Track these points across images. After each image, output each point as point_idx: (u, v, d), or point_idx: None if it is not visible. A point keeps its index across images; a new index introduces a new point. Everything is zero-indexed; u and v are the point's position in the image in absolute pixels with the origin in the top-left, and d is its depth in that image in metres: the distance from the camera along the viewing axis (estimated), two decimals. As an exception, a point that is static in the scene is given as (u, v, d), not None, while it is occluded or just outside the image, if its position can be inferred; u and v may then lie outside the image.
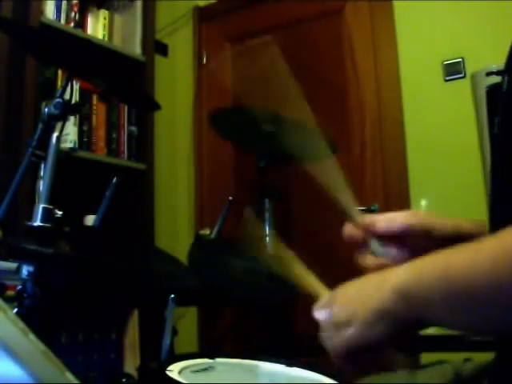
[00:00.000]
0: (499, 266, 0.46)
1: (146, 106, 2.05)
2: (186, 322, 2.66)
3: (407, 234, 0.65)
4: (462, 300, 0.48)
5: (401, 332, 0.53)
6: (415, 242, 0.65)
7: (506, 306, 0.46)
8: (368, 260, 0.67)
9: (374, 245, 0.67)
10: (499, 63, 2.09)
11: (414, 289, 0.51)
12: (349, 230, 0.69)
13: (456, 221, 0.67)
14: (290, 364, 0.91)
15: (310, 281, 0.67)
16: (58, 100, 1.33)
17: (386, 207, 2.39)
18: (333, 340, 0.56)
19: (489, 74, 2.03)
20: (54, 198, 1.28)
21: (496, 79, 2.01)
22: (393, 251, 0.66)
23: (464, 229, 0.66)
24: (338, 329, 0.56)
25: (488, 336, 0.55)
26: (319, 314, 0.59)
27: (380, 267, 0.63)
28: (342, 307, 0.57)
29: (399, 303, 0.52)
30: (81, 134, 2.27)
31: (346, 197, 0.70)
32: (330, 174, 0.70)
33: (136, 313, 1.79)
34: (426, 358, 0.85)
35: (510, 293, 0.45)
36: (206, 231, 2.07)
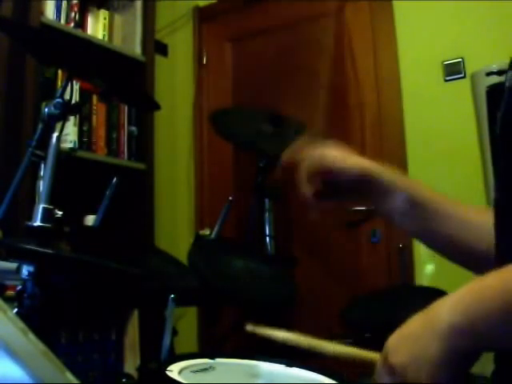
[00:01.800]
0: None
1: (146, 106, 2.05)
2: (185, 321, 2.66)
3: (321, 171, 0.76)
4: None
5: (468, 366, 0.53)
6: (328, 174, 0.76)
7: None
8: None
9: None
10: (499, 63, 2.10)
11: (473, 324, 0.50)
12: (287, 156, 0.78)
13: (367, 165, 0.80)
14: (289, 364, 0.91)
15: (352, 351, 0.64)
16: (58, 100, 1.33)
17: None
18: None
19: (489, 74, 2.03)
20: (54, 198, 1.28)
21: (496, 79, 2.01)
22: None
23: (370, 172, 0.78)
24: (403, 377, 0.53)
25: None
26: (383, 379, 0.56)
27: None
28: (403, 357, 0.54)
29: (461, 341, 0.51)
30: (81, 133, 2.27)
31: None
32: None
33: (136, 313, 1.79)
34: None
35: None
36: (206, 231, 2.07)
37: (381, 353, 0.57)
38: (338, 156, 0.77)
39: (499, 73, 1.99)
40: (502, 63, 2.02)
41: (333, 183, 0.74)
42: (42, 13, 2.18)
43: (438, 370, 0.52)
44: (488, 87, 2.05)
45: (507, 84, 0.66)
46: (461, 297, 0.53)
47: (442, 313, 0.53)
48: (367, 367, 0.60)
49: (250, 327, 0.76)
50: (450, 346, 0.51)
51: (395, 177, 0.75)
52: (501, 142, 0.64)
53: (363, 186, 0.76)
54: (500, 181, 0.65)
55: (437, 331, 0.52)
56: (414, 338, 0.55)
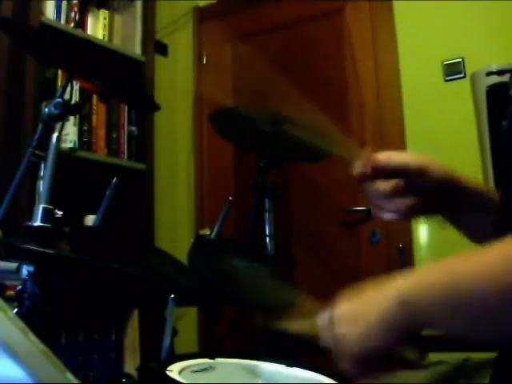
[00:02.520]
0: (505, 272, 0.46)
1: (146, 106, 2.05)
2: (185, 321, 2.66)
3: (403, 171, 0.70)
4: (467, 307, 0.48)
5: (404, 337, 0.53)
6: (409, 181, 0.69)
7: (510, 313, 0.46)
8: (378, 185, 0.71)
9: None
10: (499, 63, 2.10)
11: (415, 297, 0.52)
12: (357, 167, 0.74)
13: (451, 171, 0.71)
14: (289, 364, 0.91)
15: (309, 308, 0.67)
16: (58, 100, 1.33)
17: (386, 207, 2.39)
18: (335, 344, 0.56)
19: (489, 74, 2.03)
20: (54, 198, 1.28)
21: (496, 79, 2.01)
22: (390, 186, 0.70)
23: (456, 179, 0.69)
24: (340, 333, 0.56)
25: (490, 343, 0.55)
26: (321, 318, 0.59)
27: (384, 190, 0.69)
28: (346, 312, 0.57)
29: (401, 313, 0.52)
30: (81, 134, 2.27)
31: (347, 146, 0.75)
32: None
33: (136, 313, 1.79)
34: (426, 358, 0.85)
35: None
36: (206, 231, 2.07)
37: (327, 316, 0.59)
38: (420, 160, 0.72)
39: (499, 73, 1.99)
40: (502, 63, 2.02)
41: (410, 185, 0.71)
42: (42, 13, 2.18)
43: (372, 331, 0.53)
44: (488, 87, 2.05)
45: None
46: (418, 272, 0.54)
47: (394, 283, 0.54)
48: None
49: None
50: (388, 315, 0.52)
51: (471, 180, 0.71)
52: (509, 151, 0.64)
53: (443, 192, 0.72)
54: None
55: (382, 299, 0.54)
56: (363, 296, 0.57)
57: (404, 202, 0.69)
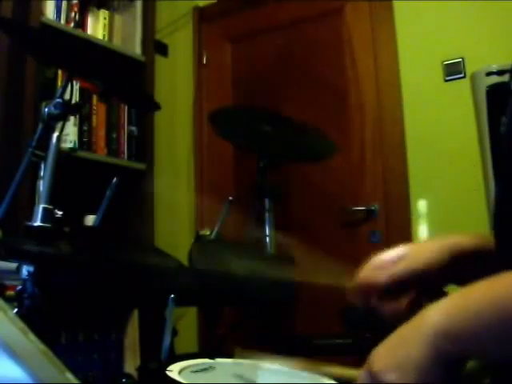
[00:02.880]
0: None
1: (146, 106, 2.05)
2: (185, 321, 2.66)
3: (402, 284, 0.67)
4: (507, 329, 0.47)
5: (450, 373, 0.51)
6: (413, 284, 0.66)
7: None
8: (385, 307, 0.67)
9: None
10: (499, 63, 2.10)
11: (457, 327, 0.50)
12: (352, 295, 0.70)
13: (451, 243, 0.67)
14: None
15: (342, 371, 0.65)
16: (58, 100, 1.33)
17: (386, 207, 2.39)
18: None
19: (489, 74, 2.03)
20: (54, 198, 1.28)
21: (496, 79, 2.01)
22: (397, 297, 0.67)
23: (460, 248, 0.67)
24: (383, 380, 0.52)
25: None
26: (362, 379, 0.55)
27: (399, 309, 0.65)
28: (385, 361, 0.53)
29: (446, 345, 0.50)
30: (81, 134, 2.27)
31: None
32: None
33: (136, 313, 1.79)
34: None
35: None
36: (206, 231, 2.07)
37: (366, 363, 0.56)
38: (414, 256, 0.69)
39: (499, 73, 1.99)
40: (502, 63, 2.02)
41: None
42: (42, 13, 2.18)
43: (422, 375, 0.51)
44: (488, 87, 2.05)
45: None
46: (450, 302, 0.53)
47: (429, 317, 0.53)
48: None
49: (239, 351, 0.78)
50: (434, 350, 0.50)
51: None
52: (508, 149, 0.64)
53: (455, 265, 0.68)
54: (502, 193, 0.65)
55: (422, 335, 0.51)
56: (399, 343, 0.54)
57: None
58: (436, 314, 0.52)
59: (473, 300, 0.51)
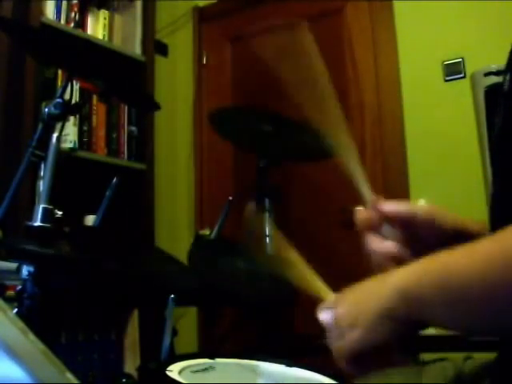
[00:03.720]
0: (493, 267, 0.46)
1: (146, 106, 2.05)
2: (185, 321, 2.66)
3: (412, 221, 0.67)
4: (459, 301, 0.48)
5: (403, 333, 0.53)
6: (418, 231, 0.67)
7: (500, 308, 0.46)
8: (374, 243, 0.68)
9: (386, 225, 0.68)
10: (499, 63, 2.10)
11: (415, 290, 0.52)
12: (362, 213, 0.71)
13: (460, 219, 0.68)
14: (289, 364, 0.91)
15: (314, 283, 0.67)
16: (58, 100, 1.33)
17: (386, 207, 2.39)
18: (336, 342, 0.56)
19: (487, 74, 2.03)
20: (54, 198, 1.28)
21: (495, 79, 2.01)
22: (399, 234, 0.67)
23: (466, 227, 0.67)
24: (341, 331, 0.56)
25: (488, 336, 0.55)
26: (323, 316, 0.59)
27: (385, 252, 0.65)
28: (346, 310, 0.57)
29: (400, 304, 0.52)
30: (81, 133, 2.27)
31: (359, 176, 0.72)
32: (346, 146, 0.72)
33: (136, 313, 1.79)
34: (426, 357, 0.85)
35: (503, 294, 0.45)
36: (206, 231, 2.07)
37: (332, 299, 0.60)
38: (430, 210, 0.70)
39: (498, 73, 1.99)
40: (502, 63, 2.02)
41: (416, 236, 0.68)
42: (42, 13, 2.18)
43: (372, 327, 0.53)
44: (487, 87, 2.05)
45: (505, 87, 0.65)
46: (419, 265, 0.54)
47: (395, 275, 0.55)
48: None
49: (249, 209, 0.79)
50: (388, 306, 0.52)
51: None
52: (499, 150, 0.64)
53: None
54: (496, 193, 0.65)
55: (383, 289, 0.54)
56: (363, 292, 0.57)
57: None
58: (400, 272, 0.54)
59: (435, 269, 0.52)
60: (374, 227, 0.69)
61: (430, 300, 0.51)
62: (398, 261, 0.64)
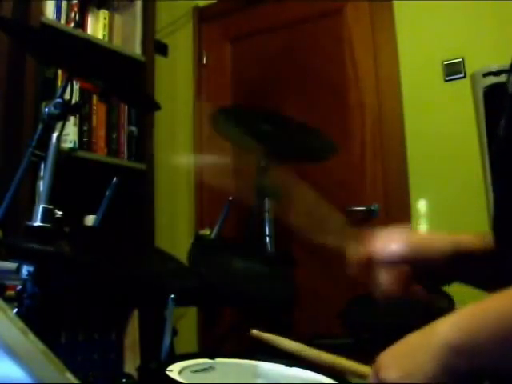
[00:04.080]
0: None
1: (146, 106, 2.05)
2: (186, 322, 2.66)
3: (405, 260, 0.67)
4: (509, 346, 0.48)
5: None
6: (414, 266, 0.66)
7: None
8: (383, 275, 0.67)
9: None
10: (499, 63, 2.10)
11: (468, 343, 0.50)
12: (352, 266, 0.69)
13: (456, 238, 0.68)
14: (289, 364, 0.91)
15: (347, 363, 0.65)
16: (58, 100, 1.33)
17: (386, 207, 2.39)
18: None
19: (486, 74, 2.03)
20: (54, 198, 1.28)
21: (494, 79, 2.01)
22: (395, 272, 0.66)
23: (463, 245, 0.67)
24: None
25: None
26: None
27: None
28: (395, 373, 0.53)
29: (459, 360, 0.50)
30: (81, 134, 2.27)
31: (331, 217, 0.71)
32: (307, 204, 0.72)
33: (136, 313, 1.79)
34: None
35: None
36: (206, 231, 2.07)
37: (372, 367, 0.56)
38: (423, 239, 0.70)
39: (497, 73, 1.99)
40: (502, 63, 2.02)
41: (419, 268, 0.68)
42: (42, 13, 2.18)
43: (433, 380, 0.51)
44: (486, 88, 2.05)
45: (509, 89, 0.65)
46: (461, 316, 0.53)
47: (440, 330, 0.52)
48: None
49: (255, 332, 0.78)
50: (444, 364, 0.50)
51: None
52: (503, 152, 0.63)
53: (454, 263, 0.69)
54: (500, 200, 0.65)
55: (432, 348, 0.51)
56: (409, 354, 0.54)
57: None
58: (447, 327, 0.52)
59: (484, 316, 0.51)
60: (365, 264, 0.68)
61: (484, 350, 0.49)
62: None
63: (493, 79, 2.00)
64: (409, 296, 0.65)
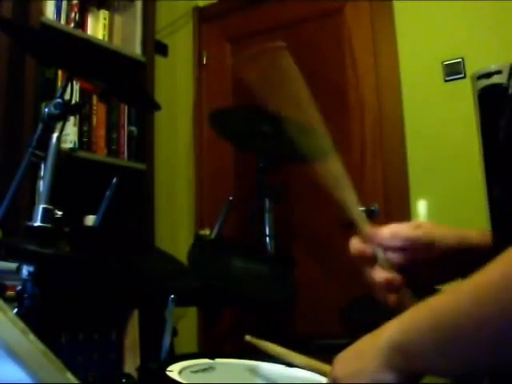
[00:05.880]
0: (480, 304, 0.45)
1: (146, 106, 2.05)
2: (185, 322, 2.66)
3: (411, 247, 0.66)
4: (451, 345, 0.48)
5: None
6: (418, 253, 0.66)
7: (492, 344, 0.45)
8: (376, 274, 0.66)
9: (380, 254, 0.67)
10: (499, 63, 2.10)
11: (405, 342, 0.51)
12: (355, 244, 0.70)
13: (461, 232, 0.67)
14: (289, 364, 0.91)
15: (313, 363, 0.70)
16: (58, 100, 1.33)
17: (386, 207, 2.39)
18: None
19: (480, 77, 2.03)
20: (54, 198, 1.28)
21: (494, 79, 2.01)
22: (397, 260, 0.66)
23: (469, 240, 0.66)
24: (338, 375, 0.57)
25: (488, 373, 0.54)
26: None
27: (388, 281, 0.65)
28: (344, 370, 0.57)
29: (397, 357, 0.52)
30: (81, 134, 2.27)
31: (350, 200, 0.70)
32: (335, 174, 0.71)
33: (136, 313, 1.79)
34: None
35: (492, 330, 0.44)
36: (206, 231, 2.07)
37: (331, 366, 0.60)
38: (429, 232, 0.68)
39: (489, 75, 2.00)
40: (502, 63, 2.02)
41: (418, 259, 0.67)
42: (42, 13, 2.18)
43: (375, 380, 0.53)
44: (480, 90, 2.05)
45: (511, 90, 0.65)
46: (406, 316, 0.54)
47: (386, 330, 0.54)
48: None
49: (248, 338, 0.82)
50: (386, 363, 0.52)
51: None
52: (504, 152, 0.63)
53: (456, 257, 0.68)
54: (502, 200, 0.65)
55: (378, 347, 0.54)
56: (359, 353, 0.57)
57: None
58: (391, 329, 0.54)
59: (423, 316, 0.51)
60: (368, 259, 0.68)
61: (422, 350, 0.50)
62: (397, 289, 0.65)
63: (494, 79, 2.00)
64: (393, 304, 0.65)
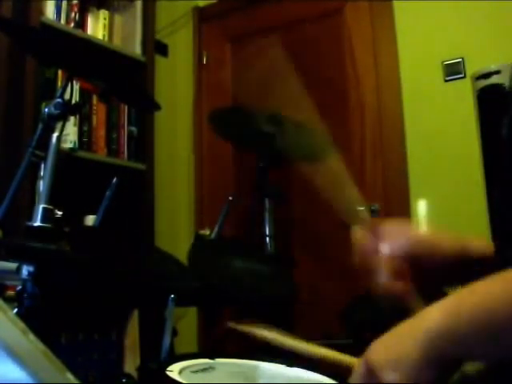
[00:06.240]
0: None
1: (146, 106, 2.05)
2: (186, 322, 2.66)
3: (411, 255, 0.67)
4: (503, 328, 0.48)
5: (447, 371, 0.53)
6: (417, 261, 0.66)
7: None
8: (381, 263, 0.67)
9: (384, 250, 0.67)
10: (499, 63, 2.10)
11: (455, 327, 0.51)
12: (358, 236, 0.70)
13: (460, 241, 0.68)
14: (289, 364, 0.91)
15: (332, 354, 0.67)
16: (58, 100, 1.33)
17: (386, 207, 2.39)
18: None
19: (480, 77, 2.03)
20: (54, 198, 1.28)
21: (494, 79, 2.01)
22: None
23: (465, 248, 0.67)
24: (378, 379, 0.54)
25: None
26: (358, 379, 0.56)
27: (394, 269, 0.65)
28: (382, 357, 0.55)
29: (444, 344, 0.51)
30: (81, 134, 2.27)
31: (352, 199, 0.71)
32: (335, 173, 0.71)
33: (136, 313, 1.79)
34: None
35: None
36: (206, 231, 2.07)
37: (363, 354, 0.57)
38: (432, 237, 0.69)
39: (488, 75, 2.00)
40: (502, 63, 2.02)
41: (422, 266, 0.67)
42: (42, 13, 2.18)
43: (415, 372, 0.52)
44: (479, 90, 2.05)
45: None
46: (448, 302, 0.53)
47: (427, 316, 0.54)
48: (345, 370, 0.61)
49: (232, 324, 0.79)
50: (430, 349, 0.51)
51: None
52: (507, 151, 0.64)
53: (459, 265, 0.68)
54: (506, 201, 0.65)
55: (419, 333, 0.53)
56: (397, 339, 0.55)
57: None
58: (433, 314, 0.53)
59: (467, 302, 0.51)
60: (370, 252, 0.68)
61: (470, 335, 0.50)
62: (402, 276, 0.65)
63: (493, 79, 2.00)
64: (400, 295, 0.66)
